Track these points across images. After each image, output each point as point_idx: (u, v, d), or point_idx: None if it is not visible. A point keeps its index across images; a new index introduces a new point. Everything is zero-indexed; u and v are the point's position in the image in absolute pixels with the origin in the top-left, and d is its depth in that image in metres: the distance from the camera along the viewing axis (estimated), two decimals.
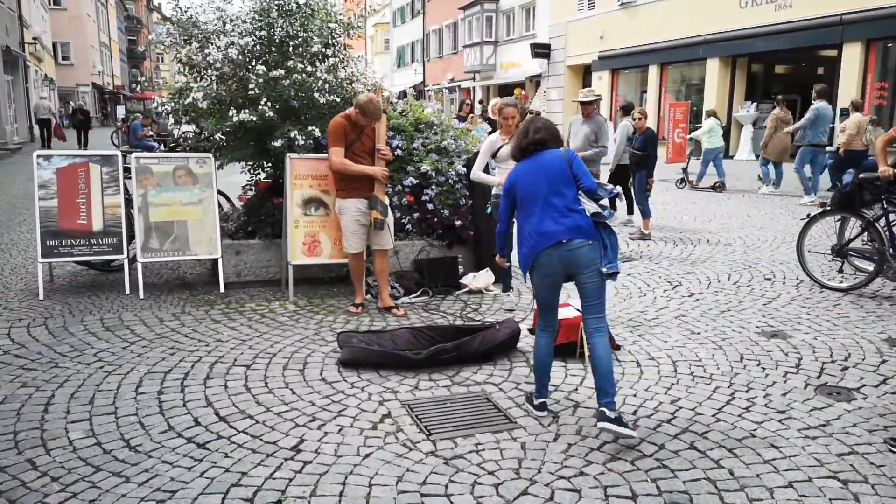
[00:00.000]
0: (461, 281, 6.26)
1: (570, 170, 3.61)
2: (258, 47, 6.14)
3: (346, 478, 3.06)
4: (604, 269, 3.48)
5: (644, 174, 8.79)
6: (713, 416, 3.68)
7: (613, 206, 9.80)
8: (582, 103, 8.12)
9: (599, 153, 7.83)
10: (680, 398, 3.91)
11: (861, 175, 6.29)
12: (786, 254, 7.71)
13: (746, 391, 4.00)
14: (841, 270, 6.45)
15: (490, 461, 3.19)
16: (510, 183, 3.75)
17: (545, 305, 3.73)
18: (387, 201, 5.61)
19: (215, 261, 6.24)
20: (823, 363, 4.42)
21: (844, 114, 15.47)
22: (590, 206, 3.54)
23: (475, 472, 3.10)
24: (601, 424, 3.32)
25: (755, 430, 3.51)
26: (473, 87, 35.97)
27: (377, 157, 5.46)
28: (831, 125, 12.55)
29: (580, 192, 3.59)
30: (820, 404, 3.80)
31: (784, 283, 6.48)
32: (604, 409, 3.35)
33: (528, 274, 3.72)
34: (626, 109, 9.95)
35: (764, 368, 4.34)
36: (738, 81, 20.77)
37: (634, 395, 3.94)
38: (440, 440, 3.39)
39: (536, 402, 3.74)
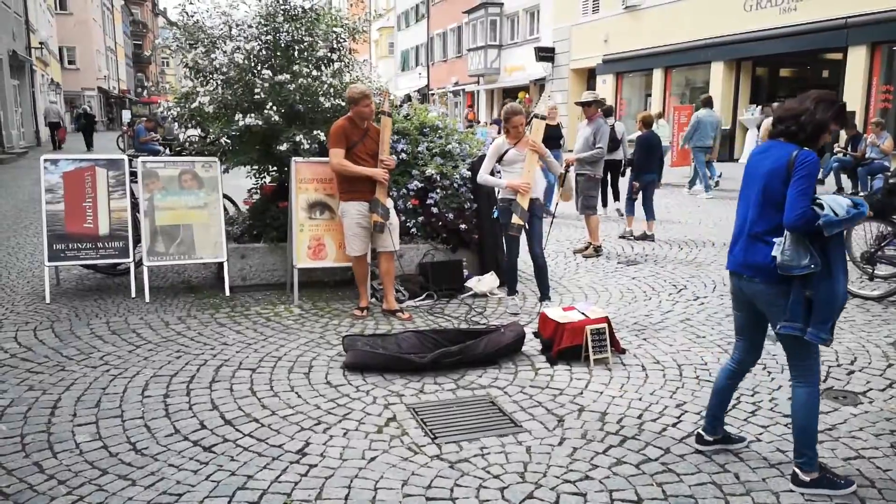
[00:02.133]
0: (466, 284, 6.27)
1: (785, 182, 2.82)
2: (264, 52, 6.18)
3: (351, 481, 3.06)
4: (775, 329, 2.94)
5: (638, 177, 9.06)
6: None
7: (605, 202, 10.86)
8: (581, 105, 8.18)
9: (595, 154, 7.87)
10: (685, 402, 3.90)
11: (892, 181, 6.21)
12: None
13: (752, 395, 3.99)
14: (872, 278, 6.36)
15: (495, 465, 3.19)
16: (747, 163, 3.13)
17: (735, 328, 3.26)
18: (390, 204, 5.61)
19: (221, 264, 6.26)
20: (829, 367, 4.41)
21: (850, 117, 15.44)
22: (779, 247, 2.80)
23: (480, 475, 3.10)
24: (795, 489, 2.99)
25: (761, 433, 3.51)
26: (478, 91, 36.02)
27: (380, 166, 5.46)
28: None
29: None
30: (826, 408, 3.79)
31: None
32: (796, 469, 3.02)
33: None
34: (607, 112, 10.31)
35: (770, 372, 4.33)
36: (743, 84, 20.75)
37: (639, 399, 3.94)
38: (445, 444, 3.39)
39: (698, 432, 3.35)
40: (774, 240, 2.85)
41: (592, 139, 7.89)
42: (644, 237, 8.76)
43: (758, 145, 3.12)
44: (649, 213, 8.92)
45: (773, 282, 2.88)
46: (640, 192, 8.89)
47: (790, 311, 2.85)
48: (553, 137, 9.91)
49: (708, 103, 13.34)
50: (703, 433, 3.33)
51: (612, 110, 10.76)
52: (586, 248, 8.04)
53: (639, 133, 9.17)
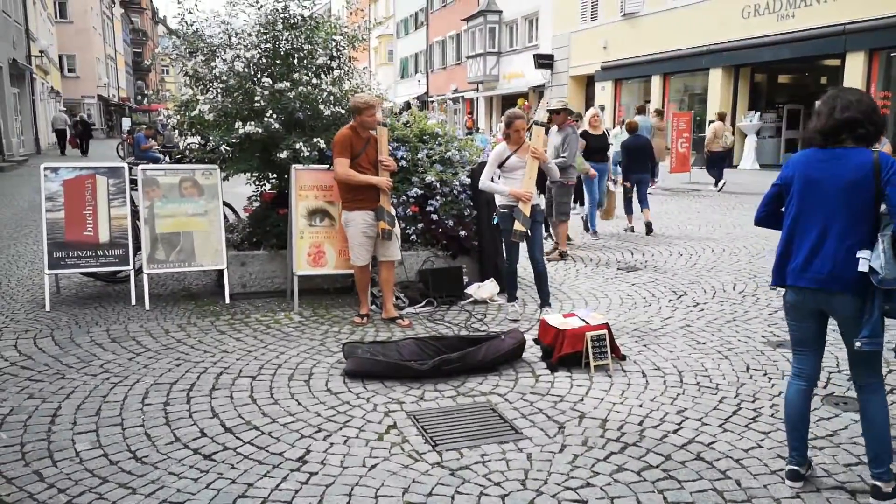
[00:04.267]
0: (466, 291, 6.27)
1: (874, 190, 2.73)
2: (264, 60, 6.19)
3: (352, 489, 3.06)
4: (856, 343, 2.79)
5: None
6: (720, 426, 3.67)
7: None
8: (551, 113, 8.19)
9: (562, 163, 7.77)
10: (686, 409, 3.90)
11: None
12: None
13: (753, 401, 3.99)
14: None
15: (496, 472, 3.19)
16: (788, 174, 2.96)
17: (795, 341, 3.10)
18: (393, 212, 5.62)
19: (221, 272, 6.26)
20: (830, 373, 4.40)
21: None
22: (867, 260, 2.70)
23: (481, 483, 3.10)
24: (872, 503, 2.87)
25: (762, 440, 3.50)
26: (477, 98, 36.10)
27: (380, 168, 5.48)
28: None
29: (885, 230, 2.71)
30: (827, 414, 3.79)
31: None
32: (876, 482, 2.89)
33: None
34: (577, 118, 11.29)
35: (770, 378, 4.33)
36: (742, 91, 20.81)
37: (640, 406, 3.93)
38: (446, 451, 3.39)
39: (787, 468, 3.10)
40: (862, 252, 2.74)
41: (562, 147, 7.91)
42: (648, 230, 9.60)
43: (800, 153, 3.01)
44: (643, 205, 9.85)
45: (860, 295, 2.77)
46: (634, 190, 9.83)
47: (874, 326, 2.74)
48: (599, 149, 9.48)
49: (641, 110, 15.33)
50: (798, 469, 3.06)
51: (581, 117, 11.04)
52: (553, 251, 8.14)
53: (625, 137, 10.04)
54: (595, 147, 9.39)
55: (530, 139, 5.74)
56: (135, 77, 72.80)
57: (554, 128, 8.16)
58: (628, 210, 9.94)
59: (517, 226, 5.53)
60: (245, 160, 6.24)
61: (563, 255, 8.07)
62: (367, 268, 5.64)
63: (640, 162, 9.78)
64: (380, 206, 5.45)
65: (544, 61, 28.18)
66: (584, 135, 9.15)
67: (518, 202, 5.56)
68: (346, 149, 5.37)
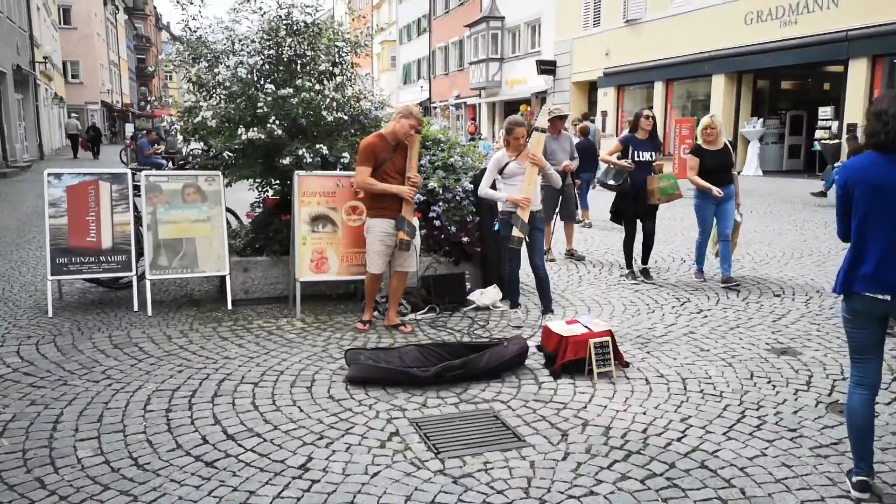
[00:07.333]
0: (468, 297, 6.26)
1: None
2: (267, 66, 6.21)
3: (354, 497, 3.04)
4: None
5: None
6: (724, 434, 3.65)
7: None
8: (556, 119, 8.29)
9: (577, 163, 8.46)
10: (690, 416, 3.88)
11: None
12: (795, 269, 7.67)
13: (757, 409, 3.97)
14: None
15: (499, 480, 3.17)
16: (847, 180, 2.90)
17: (858, 350, 3.06)
18: (416, 223, 5.59)
19: (223, 278, 6.26)
20: (834, 380, 4.39)
21: (851, 130, 15.49)
22: None
23: (484, 491, 3.08)
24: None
25: (766, 448, 3.48)
26: (479, 104, 36.15)
27: (407, 184, 5.43)
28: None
29: None
30: (831, 422, 3.77)
31: (793, 299, 6.45)
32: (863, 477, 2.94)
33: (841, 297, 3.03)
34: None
35: (774, 386, 4.31)
36: (744, 97, 20.81)
37: (644, 414, 3.92)
38: (448, 458, 3.37)
39: (854, 479, 3.03)
40: None
41: (569, 150, 8.29)
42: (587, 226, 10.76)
43: (849, 159, 3.04)
44: (583, 205, 10.98)
45: None
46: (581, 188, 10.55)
47: None
48: (723, 168, 6.92)
49: (586, 117, 16.95)
50: (867, 479, 3.01)
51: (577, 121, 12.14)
52: (573, 252, 8.66)
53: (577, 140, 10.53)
54: (712, 166, 6.84)
55: (530, 145, 5.73)
56: (138, 83, 73.06)
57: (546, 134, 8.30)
58: (583, 206, 10.98)
59: (515, 231, 5.53)
60: (248, 166, 6.25)
61: (572, 254, 8.62)
62: (380, 276, 5.62)
63: (589, 162, 10.34)
64: (401, 216, 5.43)
65: (547, 67, 28.23)
66: (697, 150, 6.96)
67: (517, 208, 5.55)
68: (370, 157, 5.35)
